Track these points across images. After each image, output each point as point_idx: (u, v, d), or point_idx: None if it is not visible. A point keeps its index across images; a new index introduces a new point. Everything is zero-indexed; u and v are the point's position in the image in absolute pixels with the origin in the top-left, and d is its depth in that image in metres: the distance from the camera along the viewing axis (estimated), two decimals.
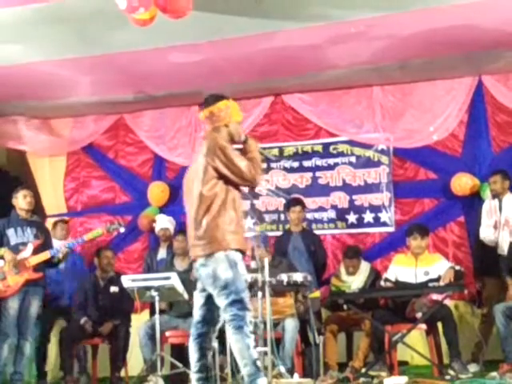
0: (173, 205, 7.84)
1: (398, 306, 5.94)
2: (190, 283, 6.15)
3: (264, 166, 7.60)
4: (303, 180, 7.54)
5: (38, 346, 6.66)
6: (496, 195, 6.32)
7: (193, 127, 7.78)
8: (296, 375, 5.08)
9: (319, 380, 5.37)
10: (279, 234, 7.26)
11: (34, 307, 5.93)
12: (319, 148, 7.54)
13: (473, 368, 5.86)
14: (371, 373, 5.64)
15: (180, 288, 5.75)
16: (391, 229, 7.21)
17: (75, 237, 7.12)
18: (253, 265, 5.47)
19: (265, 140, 7.66)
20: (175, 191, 7.85)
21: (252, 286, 5.18)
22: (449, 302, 6.11)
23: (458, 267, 5.92)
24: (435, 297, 5.74)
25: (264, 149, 7.43)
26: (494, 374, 5.29)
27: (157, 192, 7.80)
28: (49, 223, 7.68)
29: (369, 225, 7.29)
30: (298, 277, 5.35)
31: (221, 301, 3.84)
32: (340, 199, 7.39)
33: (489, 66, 6.65)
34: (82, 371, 6.82)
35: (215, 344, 5.27)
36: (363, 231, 7.33)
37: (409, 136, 7.17)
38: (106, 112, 7.92)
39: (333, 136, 7.47)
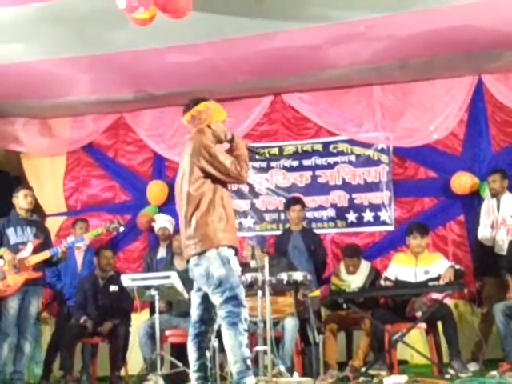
0: (172, 204, 7.77)
1: (398, 305, 5.93)
2: (189, 282, 6.16)
3: (264, 165, 7.63)
4: (303, 179, 7.54)
5: (48, 346, 6.72)
6: (495, 194, 6.33)
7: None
8: (296, 374, 5.07)
9: (319, 379, 5.36)
10: (279, 233, 7.26)
11: (34, 307, 5.93)
12: (319, 147, 7.54)
13: (473, 367, 5.86)
14: (371, 372, 5.64)
15: (180, 287, 5.75)
16: (391, 228, 7.21)
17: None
18: (253, 264, 5.48)
19: (265, 139, 7.67)
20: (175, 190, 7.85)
21: (252, 285, 5.20)
22: (449, 301, 6.11)
23: (457, 266, 5.92)
24: (435, 296, 5.74)
25: (264, 148, 7.44)
26: (493, 372, 5.28)
27: (156, 191, 7.80)
28: (49, 222, 7.68)
29: (368, 224, 7.29)
30: (297, 276, 5.35)
31: (216, 298, 3.86)
32: (340, 198, 7.39)
33: (489, 66, 6.65)
34: (85, 370, 6.82)
35: (215, 343, 5.28)
36: (363, 230, 7.33)
37: (409, 135, 7.18)
38: (105, 111, 7.92)
39: (333, 135, 7.47)
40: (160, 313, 5.81)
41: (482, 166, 6.92)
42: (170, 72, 6.55)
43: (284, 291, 5.75)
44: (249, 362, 3.80)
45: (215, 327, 4.06)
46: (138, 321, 6.43)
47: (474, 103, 7.04)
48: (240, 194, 7.66)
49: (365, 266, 6.45)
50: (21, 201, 6.02)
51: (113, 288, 6.57)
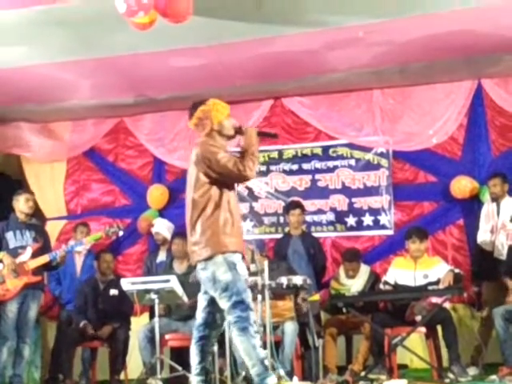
0: (172, 208, 7.85)
1: (398, 309, 5.93)
2: (189, 286, 6.16)
3: (263, 168, 7.63)
4: (302, 182, 7.55)
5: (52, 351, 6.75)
6: (495, 198, 6.33)
7: (192, 130, 7.76)
8: (295, 378, 5.07)
9: (318, 383, 5.36)
10: (278, 236, 7.26)
11: (33, 311, 5.93)
12: (319, 151, 7.54)
13: (472, 371, 5.85)
14: (371, 376, 5.62)
15: (179, 291, 5.75)
16: (390, 232, 7.21)
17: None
18: (252, 268, 5.48)
19: (264, 143, 7.66)
20: (175, 194, 7.86)
21: (252, 289, 5.19)
22: (448, 305, 6.10)
23: (457, 270, 5.92)
24: (434, 300, 5.73)
25: (263, 151, 7.46)
26: (493, 377, 5.29)
27: (156, 195, 7.81)
28: (49, 226, 7.68)
29: (368, 228, 7.29)
30: (297, 280, 5.36)
31: (223, 303, 3.84)
32: (339, 202, 7.39)
33: (488, 70, 6.66)
34: (84, 374, 6.82)
35: (215, 347, 5.28)
36: (362, 234, 7.33)
37: (408, 139, 7.18)
38: (106, 115, 7.92)
39: (332, 139, 7.47)
40: (160, 316, 5.81)
41: (481, 171, 6.93)
42: (170, 76, 6.55)
43: (284, 295, 5.75)
44: (266, 362, 3.80)
45: (219, 332, 4.04)
46: (138, 325, 6.43)
47: (473, 107, 7.04)
48: (239, 198, 7.61)
49: (364, 270, 6.45)
50: (21, 205, 6.01)
51: (113, 292, 6.58)
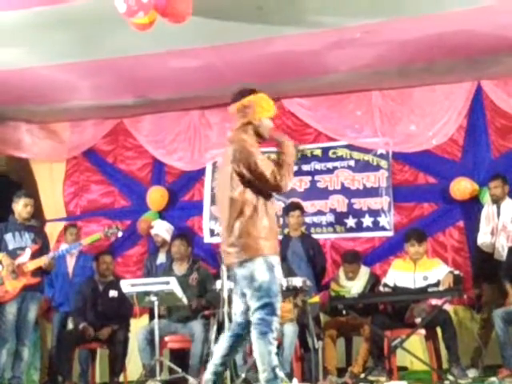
0: (172, 209, 7.85)
1: (397, 311, 5.93)
2: (188, 288, 6.16)
3: None
4: (302, 184, 7.54)
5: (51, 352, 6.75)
6: (496, 200, 6.32)
7: (192, 131, 7.79)
8: (295, 380, 5.07)
9: None
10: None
11: (32, 312, 5.91)
12: (318, 152, 7.54)
13: (472, 373, 5.84)
14: (370, 378, 5.63)
15: (179, 293, 5.74)
16: (390, 233, 7.20)
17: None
18: None
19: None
20: (174, 195, 7.87)
21: None
22: (448, 307, 6.09)
23: (456, 272, 5.91)
24: (434, 302, 5.73)
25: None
26: (493, 379, 5.28)
27: (156, 196, 7.80)
28: (48, 228, 7.67)
29: (368, 229, 7.28)
30: (297, 281, 5.35)
31: (252, 302, 3.79)
32: (339, 203, 7.38)
33: (488, 71, 6.66)
34: (83, 376, 6.81)
35: (214, 349, 5.27)
36: (362, 235, 7.32)
37: (408, 140, 7.18)
38: (105, 116, 7.92)
39: (332, 140, 7.47)
40: (159, 318, 5.80)
41: (481, 172, 6.92)
42: (169, 77, 6.55)
43: (283, 297, 5.73)
44: (277, 370, 3.73)
45: (277, 325, 3.95)
46: (137, 326, 6.41)
47: (473, 109, 7.04)
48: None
49: (364, 272, 6.44)
50: (20, 208, 6.00)
51: (112, 293, 6.56)
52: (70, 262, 7.15)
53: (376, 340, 5.83)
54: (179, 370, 5.75)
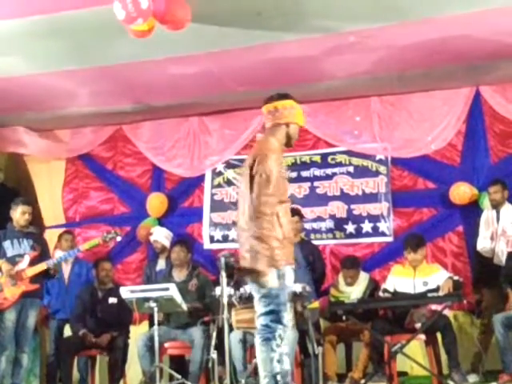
0: (171, 216, 7.85)
1: (397, 316, 5.92)
2: (188, 294, 6.15)
3: None
4: (301, 190, 7.54)
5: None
6: (496, 205, 6.32)
7: (191, 138, 7.80)
8: None
9: None
10: None
11: (32, 319, 5.91)
12: (317, 158, 7.55)
13: (472, 378, 5.84)
14: (371, 383, 5.62)
15: (178, 299, 5.74)
16: (390, 238, 7.19)
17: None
18: None
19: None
20: (174, 202, 7.87)
21: (251, 297, 5.18)
22: (448, 313, 6.09)
23: (456, 277, 5.91)
24: (434, 307, 5.73)
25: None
26: None
27: (156, 203, 7.80)
28: (48, 234, 7.67)
29: (367, 235, 7.27)
30: (296, 287, 5.33)
31: (260, 308, 3.81)
32: (338, 209, 7.38)
33: (486, 77, 6.67)
34: (83, 383, 6.79)
35: (214, 355, 5.27)
36: (362, 241, 7.31)
37: (407, 146, 7.18)
38: (104, 123, 7.93)
39: (331, 146, 7.48)
40: (159, 324, 5.79)
41: (480, 177, 6.92)
42: (168, 83, 6.56)
43: None
44: (279, 377, 3.72)
45: (285, 332, 3.95)
46: (137, 333, 6.40)
47: (471, 114, 7.04)
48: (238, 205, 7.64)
49: (363, 278, 6.44)
50: (18, 216, 6.01)
51: (112, 300, 6.55)
52: (66, 269, 7.13)
53: (376, 345, 5.83)
54: (179, 376, 5.74)
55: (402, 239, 6.59)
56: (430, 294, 5.65)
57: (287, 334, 5.53)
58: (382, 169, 7.30)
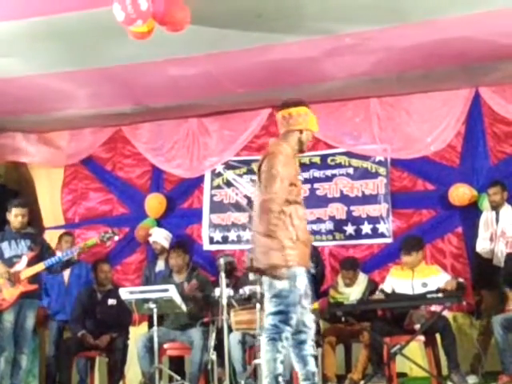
0: (171, 217, 7.85)
1: (397, 317, 5.92)
2: (187, 295, 6.15)
3: None
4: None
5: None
6: (495, 206, 6.33)
7: (191, 139, 7.80)
8: None
9: None
10: None
11: (30, 320, 5.90)
12: (317, 159, 7.54)
13: (472, 380, 5.84)
14: None
15: (178, 300, 5.74)
16: (389, 240, 7.18)
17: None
18: (251, 276, 5.48)
19: (263, 152, 7.64)
20: (173, 203, 7.87)
21: (250, 298, 5.19)
22: (447, 314, 6.09)
23: (460, 279, 5.91)
24: (433, 308, 5.73)
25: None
26: None
27: (155, 204, 7.80)
28: (48, 235, 7.66)
29: (367, 236, 7.27)
30: None
31: (269, 307, 3.83)
32: (338, 210, 7.38)
33: (486, 78, 6.67)
34: None
35: (213, 356, 5.27)
36: (361, 242, 7.31)
37: (406, 147, 7.19)
38: (104, 124, 7.93)
39: (330, 148, 7.48)
40: (158, 326, 5.79)
41: (479, 178, 6.92)
42: (168, 85, 6.56)
43: None
44: (280, 379, 3.75)
45: (312, 333, 3.96)
46: (137, 334, 6.41)
47: (471, 115, 7.05)
48: (238, 207, 7.66)
49: (362, 279, 6.44)
50: (12, 219, 6.03)
51: (111, 302, 6.55)
52: (66, 271, 7.12)
53: (375, 346, 5.83)
54: (178, 377, 5.74)
55: (401, 240, 6.60)
56: (429, 295, 5.64)
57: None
58: (382, 170, 7.30)
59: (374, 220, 7.23)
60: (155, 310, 5.64)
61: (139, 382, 5.91)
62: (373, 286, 6.34)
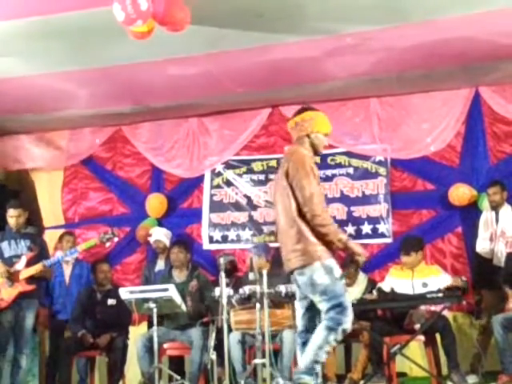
0: (171, 216, 7.84)
1: (396, 317, 5.92)
2: (187, 295, 6.15)
3: (262, 177, 7.63)
4: None
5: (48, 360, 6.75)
6: (495, 206, 6.33)
7: (191, 139, 7.80)
8: None
9: None
10: (277, 245, 7.23)
11: (29, 320, 5.91)
12: (317, 159, 7.51)
13: (472, 379, 5.85)
14: None
15: (178, 300, 5.74)
16: (389, 240, 7.18)
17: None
18: (251, 276, 5.47)
19: (262, 151, 7.69)
20: (173, 202, 7.87)
21: (250, 298, 5.19)
22: (447, 314, 6.09)
23: (464, 278, 5.90)
24: (433, 308, 5.73)
25: (262, 160, 7.47)
26: None
27: (155, 203, 7.80)
28: (48, 235, 7.66)
29: (367, 236, 7.26)
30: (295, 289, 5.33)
31: (322, 306, 3.94)
32: (338, 211, 7.37)
33: (485, 78, 6.67)
34: None
35: (213, 356, 5.27)
36: (361, 242, 7.25)
37: (406, 147, 7.19)
38: (104, 124, 7.93)
39: (330, 147, 7.45)
40: (158, 325, 5.79)
41: (479, 178, 6.93)
42: (168, 85, 6.56)
43: (282, 303, 5.73)
44: (318, 366, 3.87)
45: (346, 329, 4.02)
46: (136, 333, 6.41)
47: (471, 115, 7.05)
48: (238, 207, 7.66)
49: (362, 279, 6.45)
50: (9, 219, 6.04)
51: (110, 301, 6.55)
52: (67, 270, 7.14)
53: (375, 346, 5.82)
54: (178, 377, 5.74)
55: (401, 240, 6.60)
56: (429, 295, 5.63)
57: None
58: (382, 170, 7.30)
59: (374, 220, 7.23)
60: (155, 310, 5.64)
61: (139, 382, 5.91)
62: (373, 286, 6.33)
